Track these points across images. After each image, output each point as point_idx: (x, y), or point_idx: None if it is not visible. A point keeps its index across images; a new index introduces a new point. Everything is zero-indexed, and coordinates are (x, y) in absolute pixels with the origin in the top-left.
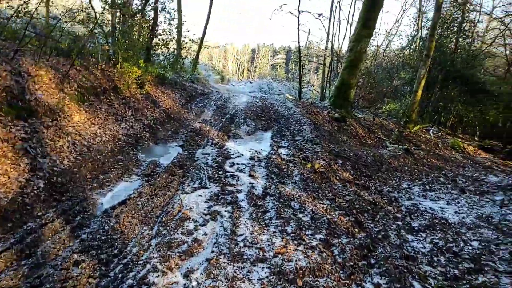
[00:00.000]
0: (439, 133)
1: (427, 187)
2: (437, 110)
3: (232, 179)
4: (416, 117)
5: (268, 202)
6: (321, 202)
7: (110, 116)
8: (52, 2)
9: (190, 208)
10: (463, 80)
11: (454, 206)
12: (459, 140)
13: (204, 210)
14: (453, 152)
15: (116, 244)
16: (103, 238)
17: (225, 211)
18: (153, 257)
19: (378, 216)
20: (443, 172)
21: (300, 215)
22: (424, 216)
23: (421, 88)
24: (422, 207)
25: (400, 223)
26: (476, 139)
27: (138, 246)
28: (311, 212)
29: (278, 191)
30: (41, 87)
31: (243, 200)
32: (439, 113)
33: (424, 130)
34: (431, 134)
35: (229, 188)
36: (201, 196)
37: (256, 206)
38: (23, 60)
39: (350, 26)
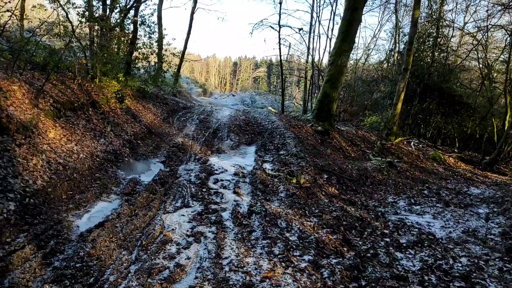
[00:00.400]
0: (420, 145)
1: (412, 200)
2: (417, 122)
3: (216, 197)
4: (397, 129)
5: (254, 221)
6: (308, 220)
7: (88, 132)
8: (26, 15)
9: (172, 229)
10: (440, 93)
11: (440, 220)
12: (440, 152)
13: (187, 231)
14: (435, 164)
15: (92, 271)
16: (78, 265)
17: (209, 231)
18: (132, 285)
19: (366, 233)
20: (427, 184)
21: (287, 234)
22: (411, 232)
23: (400, 100)
24: (408, 221)
25: (388, 239)
26: (455, 150)
27: (116, 274)
28: (298, 230)
29: (264, 209)
30: (13, 103)
31: (228, 219)
32: (419, 125)
33: (405, 142)
34: (413, 146)
35: (213, 206)
36: (183, 215)
37: (242, 225)
38: None
39: (330, 40)
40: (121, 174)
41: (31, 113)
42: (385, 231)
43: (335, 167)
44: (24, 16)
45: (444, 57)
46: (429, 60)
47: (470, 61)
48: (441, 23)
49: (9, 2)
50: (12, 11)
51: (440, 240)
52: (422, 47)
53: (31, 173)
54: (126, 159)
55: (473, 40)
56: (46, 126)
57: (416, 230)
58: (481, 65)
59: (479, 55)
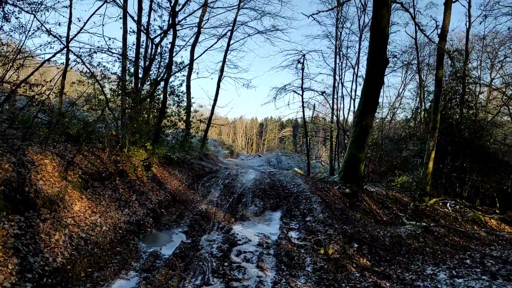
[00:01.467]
0: (457, 206)
1: (453, 272)
2: (452, 181)
3: (239, 272)
4: (430, 190)
5: None
6: None
7: (113, 202)
8: (66, 91)
9: None
10: (473, 150)
11: None
12: (479, 213)
13: None
14: (475, 227)
15: None
16: None
17: None
18: None
19: None
20: (468, 252)
21: None
22: None
23: (431, 159)
24: None
25: None
26: (497, 211)
27: None
28: None
29: (289, 287)
30: (43, 177)
31: None
32: (454, 184)
33: (440, 203)
34: (449, 208)
35: (235, 284)
36: None
37: None
38: (29, 149)
39: (354, 100)
40: (142, 247)
41: (59, 186)
42: None
43: (366, 235)
44: (64, 91)
45: (473, 114)
46: (457, 117)
47: (502, 116)
48: (466, 81)
49: (50, 81)
50: (51, 89)
51: None
52: (449, 104)
53: (52, 249)
54: (149, 229)
55: (503, 95)
56: (73, 198)
57: None
58: None
59: (511, 110)
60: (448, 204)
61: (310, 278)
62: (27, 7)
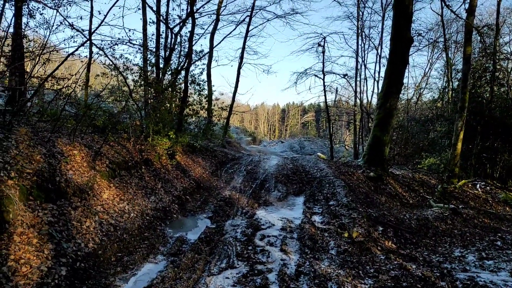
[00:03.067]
0: (488, 187)
1: (483, 254)
2: (482, 162)
3: (262, 256)
4: (459, 171)
5: (302, 284)
6: (362, 282)
7: (140, 189)
8: (91, 83)
9: None
10: (505, 129)
11: None
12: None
13: None
14: (507, 209)
15: None
16: None
17: None
18: None
19: None
20: (499, 234)
21: None
22: None
23: (460, 140)
24: (481, 280)
25: None
26: None
27: None
28: None
29: (312, 269)
30: (72, 167)
31: (274, 282)
32: (484, 165)
33: (470, 185)
34: (479, 189)
35: (259, 267)
36: (228, 278)
37: None
38: (58, 141)
39: (377, 82)
40: (169, 232)
41: (88, 176)
42: None
43: (391, 218)
44: (89, 84)
45: (505, 92)
46: (488, 95)
47: None
48: (497, 57)
49: (75, 75)
50: (76, 82)
51: None
52: (479, 83)
53: (83, 236)
54: (175, 215)
55: None
56: (101, 187)
57: None
58: None
59: None
60: (478, 185)
61: (334, 261)
62: (50, 2)
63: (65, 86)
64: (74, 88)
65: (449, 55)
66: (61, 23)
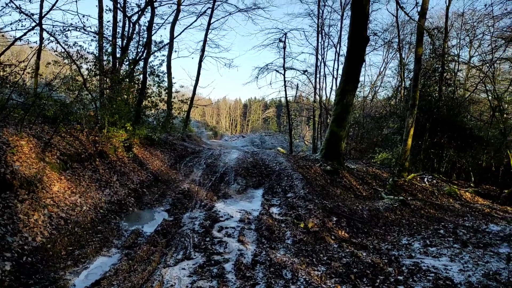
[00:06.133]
0: (434, 181)
1: (427, 241)
2: (430, 157)
3: (220, 246)
4: (409, 165)
5: (258, 272)
6: (316, 269)
7: (94, 182)
8: (41, 72)
9: (171, 286)
10: (451, 127)
11: (457, 263)
12: (455, 187)
13: (187, 287)
14: (451, 200)
15: None
16: None
17: (209, 287)
18: None
19: (378, 281)
20: (443, 223)
21: (293, 287)
22: (427, 277)
23: (410, 136)
24: (424, 265)
25: (402, 287)
26: (471, 185)
27: None
28: (304, 282)
29: (268, 258)
30: (19, 158)
31: (230, 271)
32: (431, 160)
33: (418, 178)
34: (426, 182)
35: (216, 257)
36: (184, 269)
37: (245, 278)
38: (4, 131)
39: (336, 79)
40: (124, 226)
41: (37, 167)
42: (399, 277)
43: (345, 209)
44: (39, 72)
45: (451, 91)
46: (436, 94)
47: (479, 93)
48: (446, 58)
49: (23, 61)
50: (24, 69)
51: (459, 285)
52: (429, 82)
53: (31, 229)
54: (131, 209)
55: (480, 73)
56: (51, 179)
57: (433, 275)
58: (490, 97)
59: (487, 87)
60: (426, 179)
61: (289, 250)
62: None
63: (11, 72)
64: (22, 75)
65: (403, 55)
66: (7, 4)
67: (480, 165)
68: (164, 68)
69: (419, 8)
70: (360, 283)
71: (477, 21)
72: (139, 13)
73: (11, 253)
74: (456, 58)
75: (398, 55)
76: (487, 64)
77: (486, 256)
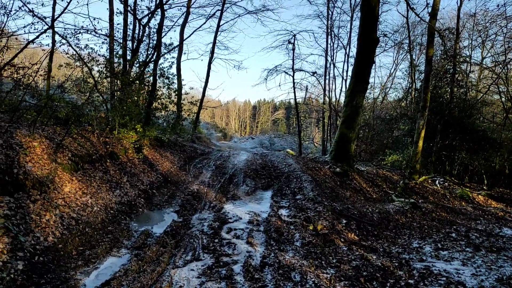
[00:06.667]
0: (446, 183)
1: (439, 245)
2: (441, 159)
3: (229, 248)
4: (420, 168)
5: (267, 274)
6: (325, 271)
7: (104, 183)
8: (54, 74)
9: (180, 287)
10: (463, 129)
11: (470, 267)
12: (467, 189)
13: None
14: (463, 203)
15: None
16: None
17: None
18: None
19: (388, 284)
20: (455, 226)
21: None
22: (438, 281)
23: (421, 138)
24: (435, 269)
25: None
26: (484, 187)
27: None
28: (313, 284)
29: (277, 260)
30: (32, 159)
31: (239, 273)
32: (443, 163)
33: (430, 181)
34: (438, 185)
35: (225, 259)
36: (193, 270)
37: (253, 280)
38: (17, 132)
39: (345, 81)
40: (134, 226)
41: (49, 168)
42: (409, 281)
43: (355, 211)
44: (51, 75)
45: (463, 93)
46: (448, 96)
47: (491, 95)
48: (457, 59)
49: (36, 64)
50: (36, 71)
51: None
52: (440, 83)
53: (43, 229)
54: (141, 209)
55: (492, 74)
56: (63, 180)
57: (444, 279)
58: (503, 99)
59: (500, 89)
60: (437, 181)
61: (298, 252)
62: None
63: (24, 74)
64: (34, 77)
65: (413, 56)
66: (20, 8)
67: (493, 168)
68: (173, 70)
69: (429, 9)
70: (370, 286)
71: (490, 21)
72: (149, 15)
73: (24, 253)
74: (468, 59)
75: (408, 57)
76: (500, 65)
77: (500, 261)
